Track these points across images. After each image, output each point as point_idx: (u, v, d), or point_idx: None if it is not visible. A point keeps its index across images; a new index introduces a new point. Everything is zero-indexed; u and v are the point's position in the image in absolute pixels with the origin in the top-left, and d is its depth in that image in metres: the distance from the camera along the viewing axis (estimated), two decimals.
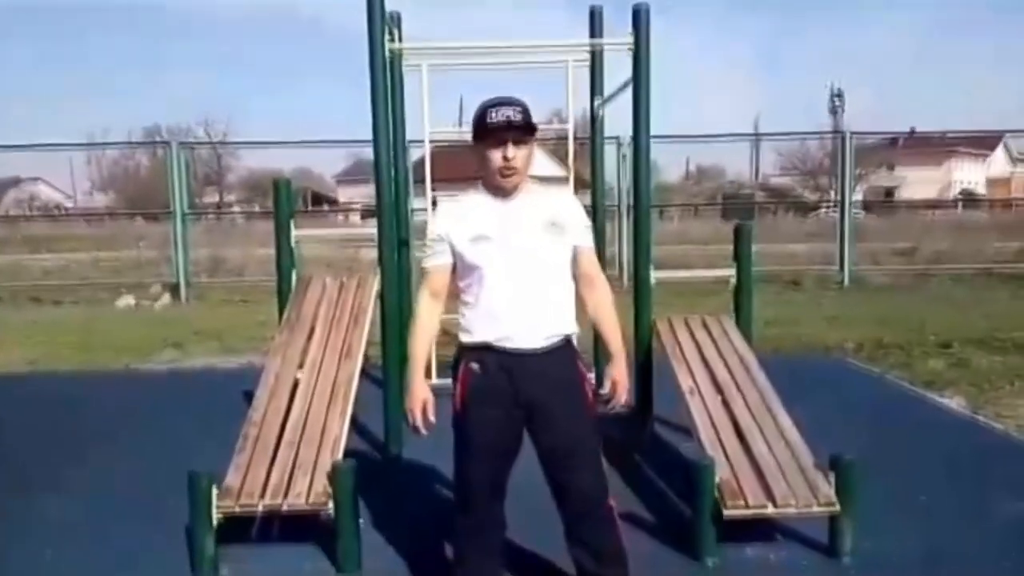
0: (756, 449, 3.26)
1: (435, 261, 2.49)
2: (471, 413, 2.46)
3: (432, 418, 2.47)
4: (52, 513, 3.59)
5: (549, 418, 2.44)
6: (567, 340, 2.49)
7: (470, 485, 2.52)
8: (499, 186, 2.43)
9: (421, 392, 2.47)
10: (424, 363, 2.52)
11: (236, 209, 34.52)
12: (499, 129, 2.36)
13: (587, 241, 2.54)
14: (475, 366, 2.45)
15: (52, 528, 3.44)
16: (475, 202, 2.48)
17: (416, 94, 5.18)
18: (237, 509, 2.96)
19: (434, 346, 4.82)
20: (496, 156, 2.37)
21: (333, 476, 2.98)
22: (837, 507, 2.96)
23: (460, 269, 2.47)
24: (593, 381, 2.55)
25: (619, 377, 2.50)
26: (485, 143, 2.39)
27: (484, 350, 2.43)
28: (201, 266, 11.62)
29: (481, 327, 2.44)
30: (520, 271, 2.41)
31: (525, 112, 2.39)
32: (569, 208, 2.53)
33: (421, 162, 5.66)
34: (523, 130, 2.38)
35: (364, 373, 3.92)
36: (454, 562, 2.62)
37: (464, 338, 2.47)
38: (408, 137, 5.71)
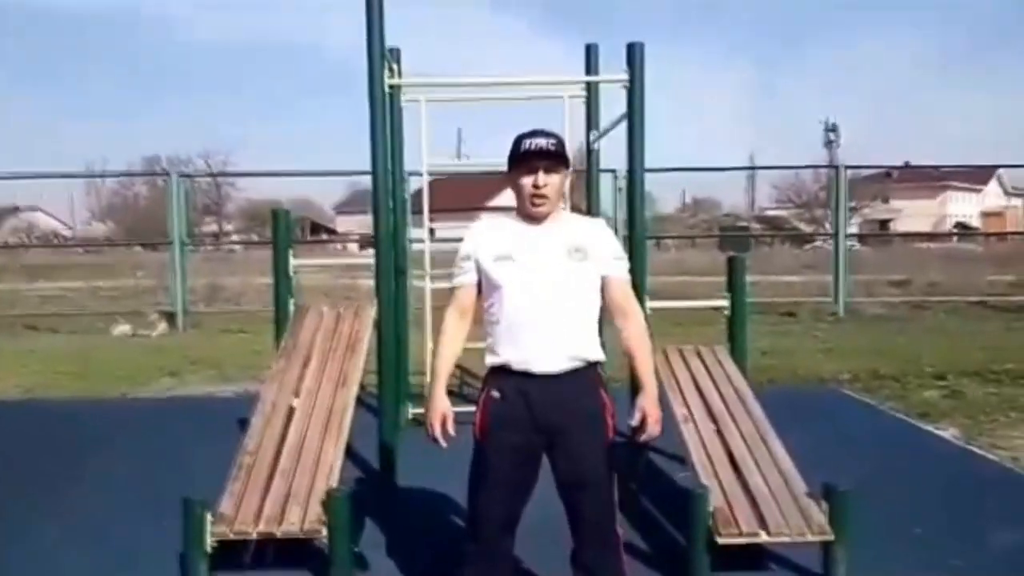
0: (750, 478, 3.27)
1: (462, 279, 2.57)
2: (490, 441, 2.49)
3: (452, 431, 2.50)
4: (47, 538, 3.58)
5: (567, 446, 2.47)
6: (589, 365, 2.50)
7: (484, 515, 2.54)
8: (530, 213, 2.50)
9: (441, 405, 2.51)
10: (446, 378, 2.56)
11: (235, 238, 34.65)
12: (531, 157, 2.44)
13: (618, 271, 2.56)
14: (496, 394, 2.49)
15: (48, 553, 3.43)
16: (506, 224, 2.56)
17: (415, 125, 5.28)
18: (231, 535, 2.97)
19: (429, 378, 4.88)
20: (527, 183, 2.45)
21: (328, 503, 2.99)
22: (830, 535, 2.98)
23: (485, 288, 2.54)
24: (614, 409, 2.55)
25: (650, 408, 2.47)
26: (518, 170, 2.47)
27: (505, 374, 2.48)
28: (199, 295, 11.64)
29: (502, 347, 2.48)
30: (540, 293, 2.45)
31: (559, 143, 2.47)
32: (598, 236, 2.57)
33: (419, 192, 5.72)
34: (555, 159, 2.46)
35: (360, 401, 3.93)
36: None
37: (488, 359, 2.53)
38: (407, 168, 5.78)
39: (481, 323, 2.58)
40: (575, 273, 2.48)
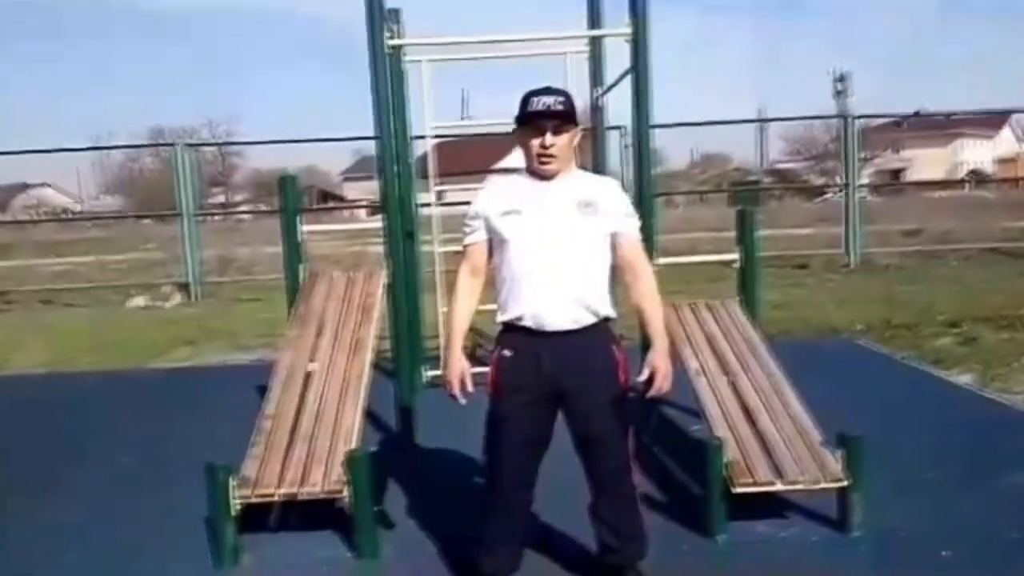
0: (764, 428, 3.30)
1: (472, 238, 2.58)
2: (503, 400, 2.53)
3: (470, 388, 2.53)
4: (76, 508, 3.66)
5: (579, 402, 2.50)
6: (600, 321, 2.52)
7: (501, 471, 2.58)
8: (538, 172, 2.50)
9: (458, 364, 2.54)
10: (462, 336, 2.59)
11: (243, 208, 34.69)
12: (539, 116, 2.43)
13: (629, 228, 2.56)
14: (507, 352, 2.52)
15: (76, 522, 3.51)
16: (515, 182, 2.57)
17: (419, 88, 5.24)
18: (255, 498, 3.02)
19: (443, 341, 4.90)
20: (535, 143, 2.45)
21: (349, 464, 3.03)
22: (845, 482, 3.01)
23: (495, 244, 2.55)
24: (626, 365, 2.57)
25: (659, 364, 2.48)
26: (526, 130, 2.46)
27: (516, 331, 2.50)
28: (210, 266, 11.69)
29: (512, 303, 2.50)
30: (548, 247, 2.46)
31: (566, 101, 2.46)
32: (608, 193, 2.58)
33: (424, 158, 5.70)
34: (563, 118, 2.45)
35: (376, 366, 3.96)
36: (480, 543, 2.67)
37: (500, 316, 2.55)
38: (412, 131, 5.75)
39: (493, 283, 2.59)
40: (584, 227, 2.49)
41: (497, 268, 2.56)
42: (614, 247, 2.55)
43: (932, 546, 2.94)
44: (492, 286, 2.61)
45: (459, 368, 2.53)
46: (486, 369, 2.62)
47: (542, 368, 2.47)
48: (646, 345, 2.64)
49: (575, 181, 2.55)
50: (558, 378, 2.47)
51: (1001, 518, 3.15)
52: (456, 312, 2.60)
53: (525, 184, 2.54)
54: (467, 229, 2.60)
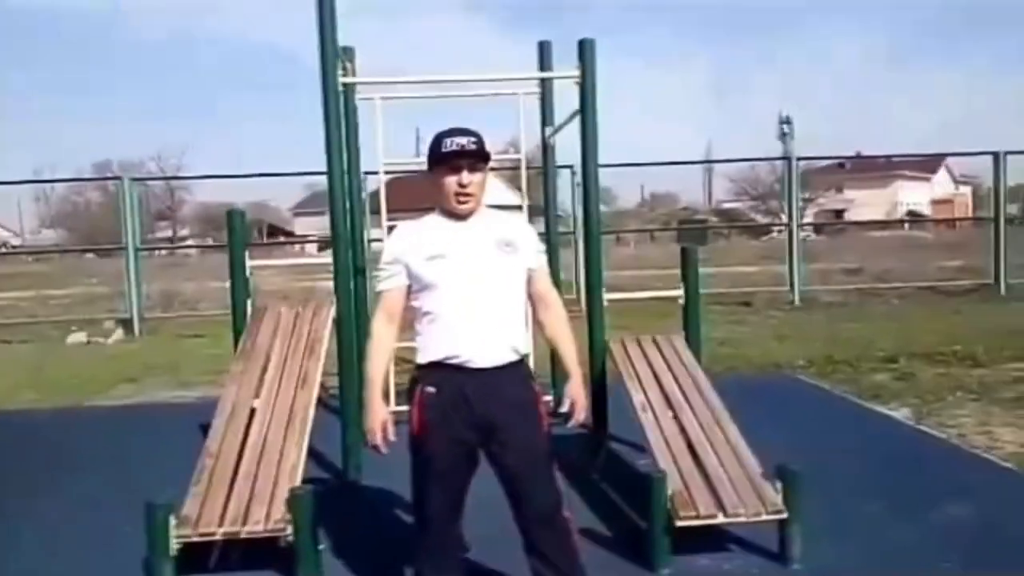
0: (707, 461, 3.36)
1: (390, 284, 2.56)
2: (428, 436, 2.50)
3: (392, 437, 2.52)
4: (8, 545, 3.53)
5: (505, 438, 2.50)
6: (520, 359, 2.56)
7: (429, 507, 2.57)
8: (454, 212, 2.52)
9: (380, 412, 2.52)
10: (381, 384, 2.57)
11: (190, 242, 34.14)
12: (454, 156, 2.46)
13: (541, 263, 2.63)
14: (431, 389, 2.50)
15: (17, 561, 3.40)
16: (430, 224, 2.57)
17: (371, 125, 5.27)
18: (195, 537, 2.97)
19: (392, 374, 4.89)
20: (451, 182, 2.47)
21: (292, 501, 3.00)
22: (785, 514, 3.07)
23: (416, 289, 2.54)
24: (548, 399, 2.62)
25: (576, 395, 2.55)
26: (441, 169, 2.48)
27: (439, 369, 2.49)
28: (154, 301, 11.49)
29: (435, 345, 2.50)
30: (474, 289, 2.48)
31: (479, 141, 2.49)
32: (522, 231, 2.62)
33: (376, 193, 5.73)
34: (477, 157, 2.48)
35: (320, 402, 3.93)
36: None
37: (420, 358, 2.53)
38: (364, 167, 5.77)
39: (410, 325, 2.58)
40: (506, 267, 2.53)
41: (418, 311, 2.55)
42: (528, 282, 2.60)
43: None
44: (407, 327, 2.60)
45: (381, 417, 2.52)
46: (404, 408, 2.59)
47: (468, 401, 2.47)
48: (557, 378, 2.67)
49: (490, 220, 2.59)
50: (484, 411, 2.47)
51: (935, 549, 3.24)
52: (373, 360, 2.58)
53: (442, 226, 2.55)
54: (383, 274, 2.58)
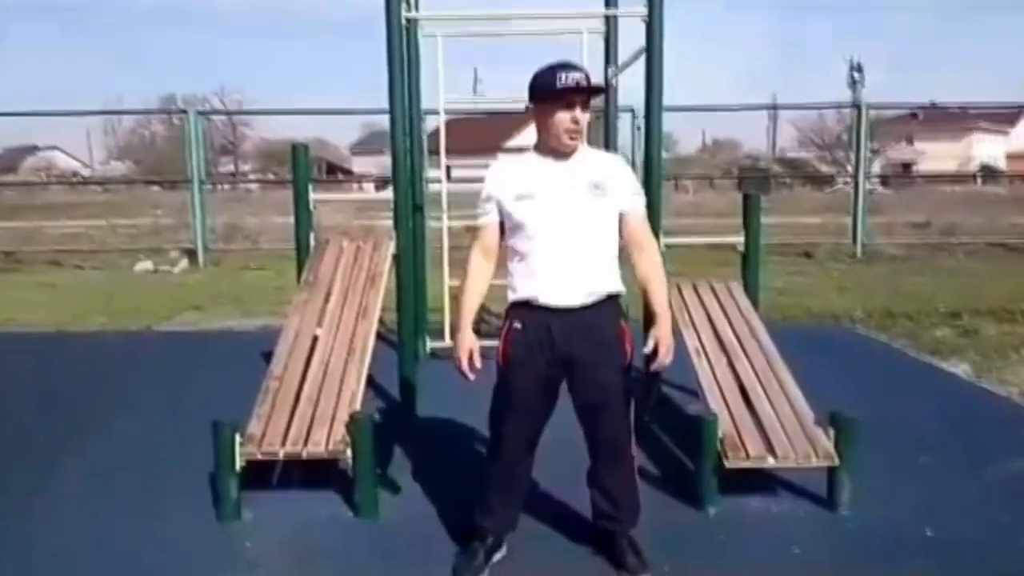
0: (759, 406, 3.37)
1: (485, 220, 2.63)
2: (512, 370, 2.59)
3: (478, 364, 2.59)
4: (80, 463, 3.74)
5: (584, 373, 2.56)
6: (609, 298, 2.57)
7: (505, 438, 2.66)
8: (559, 148, 2.52)
9: (467, 341, 2.59)
10: (473, 315, 2.65)
11: (251, 177, 34.70)
12: (569, 92, 2.45)
13: (636, 206, 2.62)
14: (517, 324, 2.58)
15: (84, 476, 3.60)
16: (525, 162, 2.60)
17: (432, 62, 5.27)
18: (259, 455, 3.10)
19: (448, 314, 4.98)
20: (565, 119, 2.47)
21: (351, 425, 3.11)
22: (835, 460, 3.07)
23: (507, 227, 2.59)
24: (632, 338, 2.63)
25: (662, 338, 2.56)
26: (552, 105, 2.47)
27: (526, 307, 2.55)
28: (218, 233, 11.77)
29: (523, 284, 2.56)
30: (561, 229, 2.51)
31: (590, 77, 2.49)
32: (617, 172, 2.62)
33: (435, 133, 5.74)
34: (591, 93, 2.49)
35: (380, 336, 4.02)
36: (476, 507, 2.75)
37: (510, 295, 2.60)
38: (423, 106, 5.78)
39: (504, 262, 2.64)
40: (595, 209, 2.53)
41: (510, 249, 2.61)
42: (621, 225, 2.60)
43: (918, 527, 3.01)
44: (502, 264, 2.67)
45: (468, 344, 2.59)
46: (492, 343, 2.68)
47: (552, 339, 2.53)
48: (648, 321, 2.69)
49: (586, 160, 2.58)
50: (566, 348, 2.53)
51: (989, 503, 3.22)
52: (468, 291, 2.65)
53: (537, 165, 2.57)
54: (479, 211, 2.65)
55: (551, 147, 2.54)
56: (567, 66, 2.49)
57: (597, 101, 6.16)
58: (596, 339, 2.55)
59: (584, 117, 2.48)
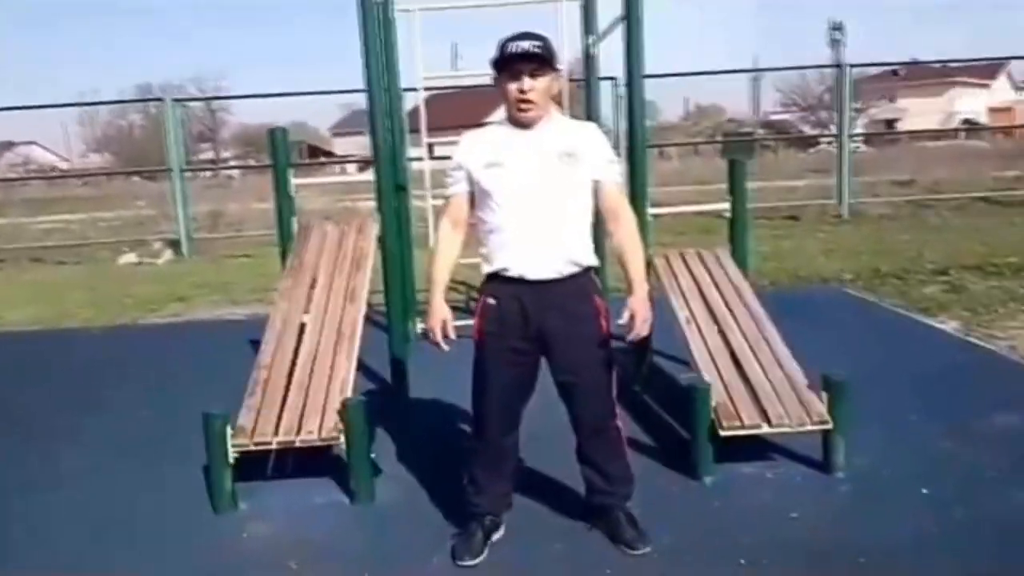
0: (751, 373, 3.36)
1: (454, 189, 2.60)
2: (488, 346, 2.57)
3: (452, 335, 2.57)
4: (72, 459, 3.72)
5: (562, 348, 2.54)
6: (583, 271, 2.54)
7: (487, 415, 2.64)
8: (517, 119, 2.49)
9: (440, 312, 2.58)
10: (444, 286, 2.62)
11: (232, 164, 34.38)
12: (515, 60, 2.41)
13: (609, 174, 2.57)
14: (491, 299, 2.55)
15: (76, 469, 3.58)
16: (494, 132, 2.56)
17: (409, 39, 5.18)
18: (252, 446, 3.08)
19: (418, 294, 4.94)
20: (512, 88, 2.44)
21: (344, 411, 3.09)
22: (830, 424, 3.08)
23: (477, 196, 2.56)
24: (607, 313, 2.61)
25: (638, 308, 2.51)
26: (503, 76, 2.45)
27: (499, 280, 2.53)
28: (201, 222, 11.66)
29: (495, 255, 2.53)
30: (529, 200, 2.47)
31: (543, 45, 2.43)
32: (588, 140, 2.56)
33: (414, 111, 5.67)
34: (540, 61, 2.42)
35: (368, 318, 4.00)
36: (468, 486, 2.74)
37: (484, 267, 2.58)
38: (402, 84, 5.70)
39: (476, 235, 2.61)
40: (566, 177, 2.49)
41: (480, 220, 2.57)
42: (596, 194, 2.56)
43: (913, 485, 3.03)
44: (476, 238, 2.64)
45: (441, 316, 2.57)
46: (470, 321, 2.66)
47: (525, 313, 2.50)
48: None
49: (555, 129, 2.54)
50: (541, 322, 2.51)
51: (982, 458, 3.24)
52: (438, 262, 2.62)
53: (506, 134, 2.53)
54: (448, 180, 2.61)
55: (512, 118, 2.51)
56: (519, 36, 2.43)
57: (577, 71, 6.14)
58: (570, 313, 2.52)
59: (535, 85, 2.42)
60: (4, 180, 24.17)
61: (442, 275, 2.62)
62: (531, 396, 2.65)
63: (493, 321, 2.55)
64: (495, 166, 2.49)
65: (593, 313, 2.56)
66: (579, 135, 2.57)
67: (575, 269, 2.52)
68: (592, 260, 2.59)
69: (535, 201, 2.47)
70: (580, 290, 2.55)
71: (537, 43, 2.42)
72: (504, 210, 2.49)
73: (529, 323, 2.51)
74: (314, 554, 2.80)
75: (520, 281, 2.50)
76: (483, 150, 2.53)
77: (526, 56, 2.40)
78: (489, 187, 2.50)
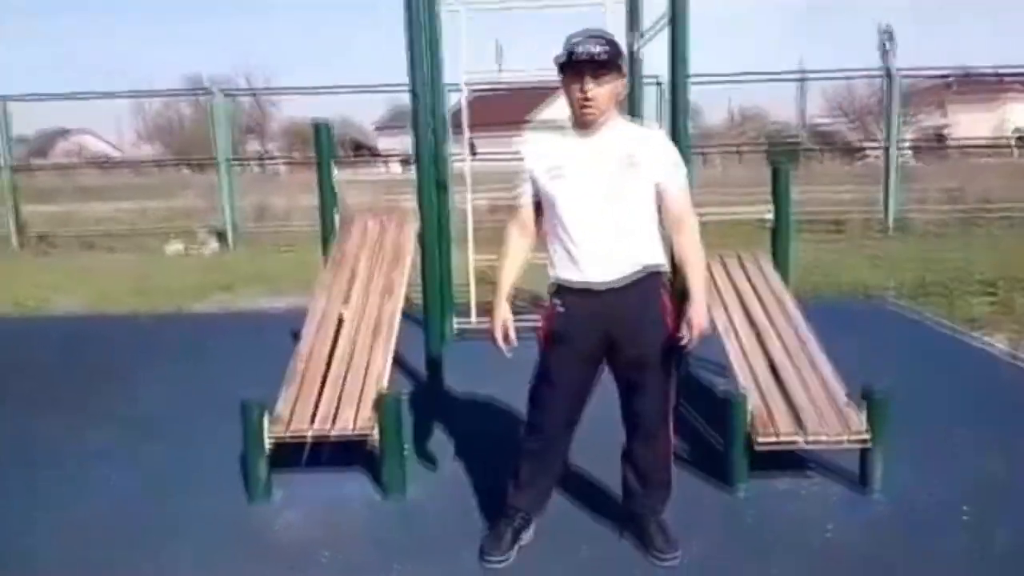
0: (789, 383, 3.32)
1: (521, 200, 2.61)
2: (553, 351, 2.58)
3: (512, 337, 2.57)
4: (113, 443, 3.80)
5: (625, 351, 2.54)
6: (649, 273, 2.52)
7: (545, 417, 2.65)
8: (579, 122, 2.49)
9: (501, 316, 2.59)
10: (508, 291, 2.63)
11: (278, 157, 34.78)
12: (579, 63, 2.39)
13: (673, 179, 2.53)
14: (558, 303, 2.56)
15: (116, 453, 3.66)
16: (559, 137, 2.56)
17: (454, 38, 5.21)
18: (288, 436, 3.12)
19: (473, 291, 4.97)
20: (574, 90, 2.43)
21: (379, 405, 3.12)
22: (868, 439, 3.02)
23: (543, 204, 2.57)
24: (676, 313, 2.58)
25: (695, 316, 2.48)
26: (566, 77, 2.44)
27: (567, 288, 2.54)
28: (247, 214, 11.84)
29: (560, 263, 2.54)
30: (593, 207, 2.47)
31: (609, 47, 2.41)
32: (653, 145, 2.54)
33: (457, 110, 5.69)
34: (603, 65, 2.40)
35: (405, 315, 4.03)
36: (510, 480, 2.74)
37: (550, 273, 2.59)
38: (446, 82, 5.72)
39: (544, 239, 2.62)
40: (628, 183, 2.47)
41: (548, 227, 2.58)
42: (660, 199, 2.53)
43: (953, 506, 2.95)
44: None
45: (503, 319, 2.58)
46: (526, 322, 2.66)
47: (593, 318, 2.50)
48: (683, 296, 2.63)
49: (618, 133, 2.51)
50: (609, 329, 2.50)
51: (1022, 480, 3.15)
52: (504, 267, 2.64)
53: (568, 139, 2.52)
54: (518, 189, 2.62)
55: (575, 121, 2.50)
56: (586, 37, 2.41)
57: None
58: (638, 318, 2.51)
59: (599, 90, 2.40)
60: (59, 167, 24.77)
61: (507, 279, 2.63)
62: (589, 400, 2.64)
63: (560, 325, 2.55)
64: (558, 176, 2.49)
65: (660, 315, 2.55)
66: (642, 140, 2.54)
67: (642, 273, 2.50)
68: (660, 260, 2.56)
69: (598, 209, 2.46)
70: (647, 293, 2.53)
71: (604, 47, 2.39)
72: (568, 218, 2.49)
73: (597, 328, 2.51)
74: (346, 545, 2.83)
75: (586, 289, 2.50)
76: (547, 157, 2.53)
77: (590, 59, 2.38)
78: (552, 196, 2.50)
